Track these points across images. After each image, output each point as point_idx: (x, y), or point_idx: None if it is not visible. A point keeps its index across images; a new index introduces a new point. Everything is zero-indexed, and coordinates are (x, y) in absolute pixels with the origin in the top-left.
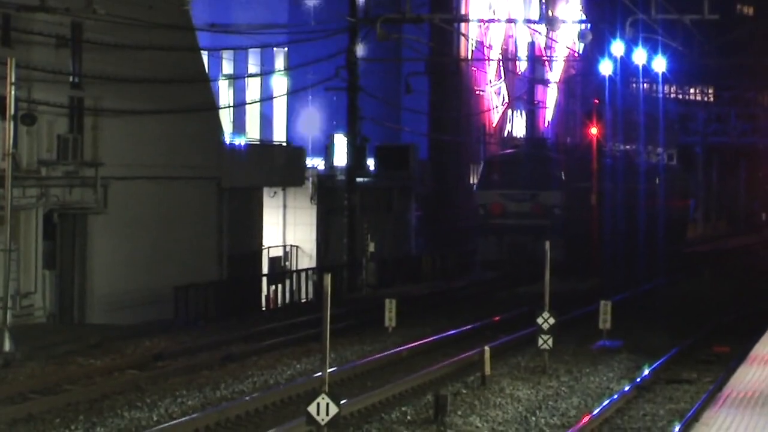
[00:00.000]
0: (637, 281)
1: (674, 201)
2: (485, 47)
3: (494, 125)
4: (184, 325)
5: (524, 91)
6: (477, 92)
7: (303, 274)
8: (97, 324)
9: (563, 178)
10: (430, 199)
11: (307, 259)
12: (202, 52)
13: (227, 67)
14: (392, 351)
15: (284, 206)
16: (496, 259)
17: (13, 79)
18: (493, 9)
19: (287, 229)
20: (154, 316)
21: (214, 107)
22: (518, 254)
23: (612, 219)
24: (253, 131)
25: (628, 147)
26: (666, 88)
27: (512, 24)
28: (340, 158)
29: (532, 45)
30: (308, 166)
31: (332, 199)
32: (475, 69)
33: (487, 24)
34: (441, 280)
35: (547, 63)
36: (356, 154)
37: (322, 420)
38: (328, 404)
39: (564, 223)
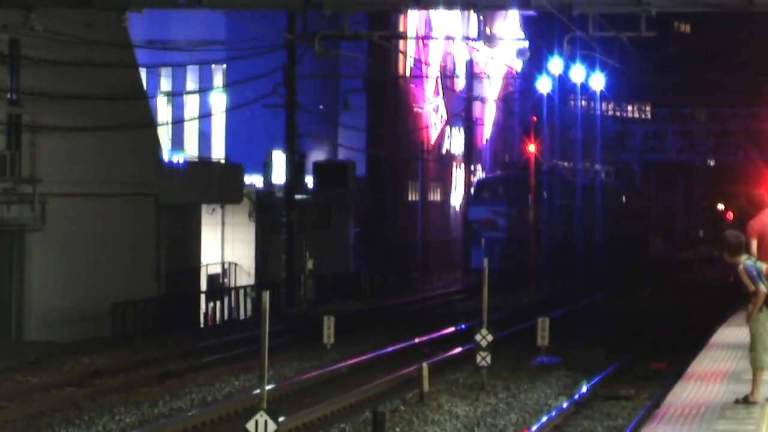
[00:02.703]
0: (596, 289)
1: (637, 218)
2: (423, 64)
3: (432, 142)
4: (122, 342)
5: (462, 108)
6: (415, 109)
7: (241, 291)
8: (34, 341)
9: (545, 196)
10: (369, 216)
11: (245, 275)
12: (140, 68)
13: (165, 84)
14: (331, 368)
15: (223, 223)
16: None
17: None
18: (431, 26)
19: (226, 245)
20: (92, 332)
21: (152, 124)
22: (506, 262)
23: (584, 233)
24: (191, 148)
25: (596, 168)
26: (604, 105)
27: (450, 41)
28: (279, 175)
29: (470, 62)
30: (246, 183)
31: (271, 215)
32: (413, 86)
33: (425, 41)
34: (380, 296)
35: (485, 80)
36: (294, 171)
37: None
38: (266, 421)
39: (546, 236)
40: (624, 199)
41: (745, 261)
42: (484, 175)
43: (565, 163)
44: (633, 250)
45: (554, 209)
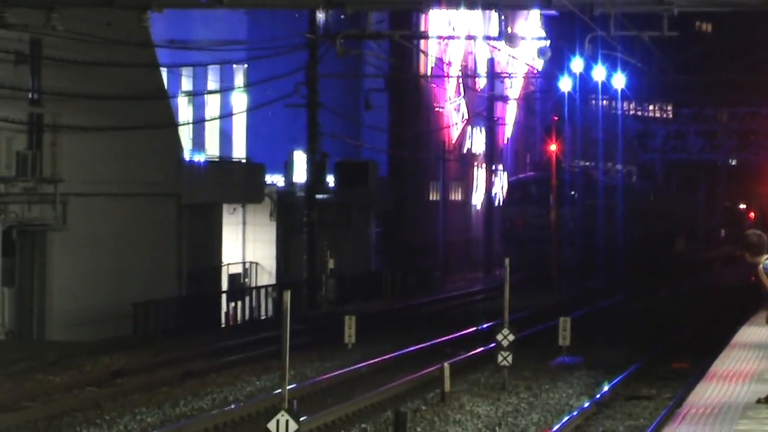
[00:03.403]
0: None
1: (664, 218)
2: (445, 64)
3: (453, 142)
4: (144, 341)
5: (483, 108)
6: (436, 109)
7: (262, 291)
8: (56, 341)
9: (575, 196)
10: (390, 216)
11: (266, 275)
12: (161, 68)
13: (186, 84)
14: (352, 367)
15: (244, 223)
16: (518, 265)
17: None
18: (452, 26)
19: (247, 245)
20: (113, 332)
21: (173, 124)
22: (537, 260)
23: (612, 233)
24: (212, 148)
25: (617, 168)
26: (625, 104)
27: (472, 41)
28: (300, 175)
29: (491, 61)
30: (268, 182)
31: (292, 215)
32: (434, 86)
33: (446, 41)
34: (401, 296)
35: (506, 79)
36: (316, 170)
37: None
38: (288, 421)
39: (577, 236)
40: (651, 198)
41: (765, 261)
42: (509, 176)
43: (587, 164)
44: (659, 250)
45: (584, 209)
